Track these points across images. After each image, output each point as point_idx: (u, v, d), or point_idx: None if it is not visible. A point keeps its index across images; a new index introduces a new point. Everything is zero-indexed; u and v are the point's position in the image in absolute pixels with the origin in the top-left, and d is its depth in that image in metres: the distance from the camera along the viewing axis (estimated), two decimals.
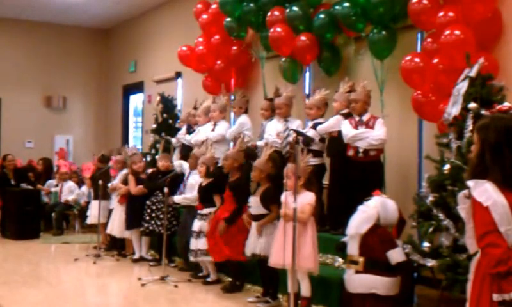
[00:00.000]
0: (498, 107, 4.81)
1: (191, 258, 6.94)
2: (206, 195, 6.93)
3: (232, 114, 9.16)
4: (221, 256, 6.47)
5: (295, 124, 6.99)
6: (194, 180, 7.41)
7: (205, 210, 6.87)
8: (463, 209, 3.04)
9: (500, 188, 2.84)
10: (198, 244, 6.79)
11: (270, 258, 5.50)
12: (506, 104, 4.79)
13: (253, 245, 5.92)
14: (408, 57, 6.16)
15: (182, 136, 8.98)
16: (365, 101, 6.30)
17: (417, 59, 6.12)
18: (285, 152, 6.75)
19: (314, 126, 6.67)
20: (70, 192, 11.17)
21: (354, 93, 6.37)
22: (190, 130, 8.88)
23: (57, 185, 11.48)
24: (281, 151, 6.87)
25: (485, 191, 2.83)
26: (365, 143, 6.10)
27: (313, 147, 6.60)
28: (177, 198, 7.56)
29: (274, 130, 7.13)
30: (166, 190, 7.14)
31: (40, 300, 6.21)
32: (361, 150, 6.12)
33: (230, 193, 6.54)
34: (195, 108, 9.04)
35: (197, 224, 6.89)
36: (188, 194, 7.46)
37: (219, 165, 7.13)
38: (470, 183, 2.90)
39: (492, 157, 2.91)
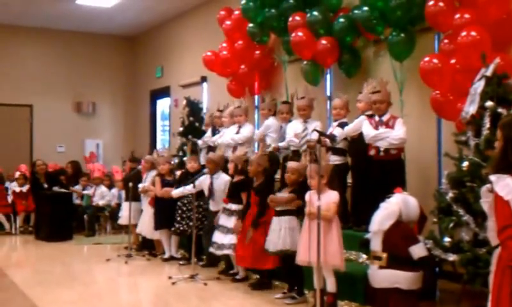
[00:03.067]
0: None
1: (212, 250, 7.10)
2: (234, 191, 7.08)
3: (256, 117, 9.34)
4: (246, 264, 6.72)
5: (314, 125, 7.12)
6: (219, 186, 7.53)
7: (232, 206, 7.02)
8: (485, 203, 3.12)
9: None
10: (224, 238, 6.95)
11: (297, 255, 5.63)
12: None
13: (275, 241, 6.05)
14: (427, 58, 6.26)
15: (208, 138, 9.18)
16: (388, 102, 6.44)
17: (435, 60, 6.22)
18: (302, 151, 6.90)
19: (341, 126, 6.83)
20: (101, 197, 11.42)
21: (378, 94, 6.43)
22: (215, 132, 9.06)
23: (84, 189, 11.77)
24: (299, 150, 7.08)
25: (506, 186, 2.90)
26: (385, 143, 6.22)
27: (338, 145, 6.76)
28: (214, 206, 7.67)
29: (293, 130, 7.32)
30: (194, 191, 7.34)
31: (74, 299, 6.34)
32: (382, 149, 6.24)
33: (255, 198, 6.68)
34: (219, 110, 9.21)
35: (224, 220, 7.05)
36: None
37: None
38: (493, 177, 2.97)
39: None
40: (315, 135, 5.94)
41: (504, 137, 3.06)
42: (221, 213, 7.21)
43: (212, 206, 7.61)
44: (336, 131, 6.77)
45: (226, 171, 7.67)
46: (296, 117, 7.65)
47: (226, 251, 7.00)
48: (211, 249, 7.16)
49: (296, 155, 7.12)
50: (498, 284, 2.98)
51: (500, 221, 2.91)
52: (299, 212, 5.99)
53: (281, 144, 7.53)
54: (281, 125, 7.79)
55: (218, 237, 7.05)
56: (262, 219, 6.50)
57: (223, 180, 7.56)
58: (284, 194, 6.17)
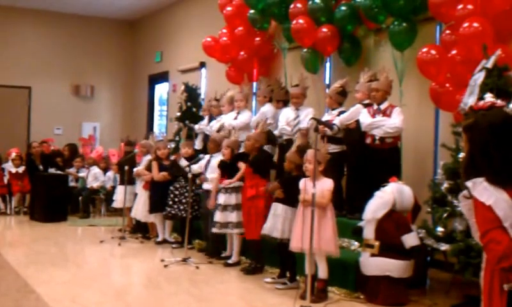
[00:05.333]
0: (480, 104, 4.83)
1: (214, 230, 7.07)
2: (228, 170, 7.06)
3: (254, 103, 9.33)
4: (253, 235, 6.58)
5: (306, 112, 7.18)
6: (216, 162, 7.57)
7: (228, 182, 6.96)
8: (464, 206, 3.00)
9: (494, 186, 2.79)
10: (226, 217, 6.93)
11: (291, 242, 5.61)
12: (488, 99, 4.83)
13: (272, 226, 6.03)
14: (425, 49, 6.24)
15: (204, 126, 9.16)
16: (386, 91, 6.41)
17: (433, 51, 6.21)
18: (295, 139, 6.89)
19: (339, 114, 6.81)
20: (95, 179, 11.39)
21: (375, 82, 6.47)
22: (212, 120, 9.04)
23: (77, 171, 11.75)
24: (292, 138, 7.07)
25: (485, 190, 2.79)
26: (381, 131, 6.23)
27: (337, 134, 6.74)
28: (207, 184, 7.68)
29: (285, 118, 7.33)
30: (189, 176, 7.32)
31: (67, 279, 6.33)
32: (377, 138, 6.25)
33: (249, 169, 6.66)
34: (216, 99, 9.19)
35: (222, 198, 7.02)
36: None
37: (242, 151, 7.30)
38: (469, 183, 2.85)
39: (481, 157, 2.86)
40: (312, 123, 5.93)
41: (468, 141, 2.94)
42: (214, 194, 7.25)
43: (206, 185, 7.65)
44: (337, 120, 6.75)
45: None
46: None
47: (229, 230, 6.98)
48: (214, 230, 7.10)
49: (290, 143, 7.09)
50: (488, 285, 2.92)
51: (481, 226, 2.81)
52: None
53: (275, 132, 7.55)
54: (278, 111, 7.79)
55: (220, 216, 7.00)
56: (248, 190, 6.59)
57: (219, 158, 7.57)
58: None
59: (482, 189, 2.80)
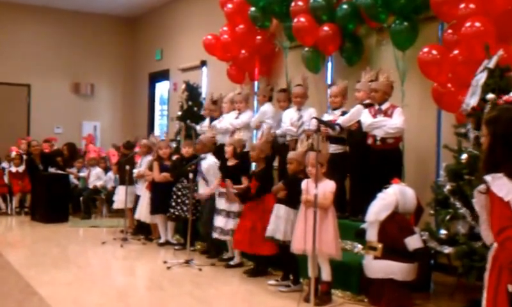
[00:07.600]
0: (505, 97, 4.83)
1: (215, 235, 7.06)
2: (231, 175, 7.01)
3: (256, 103, 9.29)
4: (243, 248, 6.69)
5: (308, 112, 7.15)
6: (207, 164, 7.60)
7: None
8: (477, 202, 2.99)
9: None
10: (227, 223, 6.92)
11: (292, 244, 5.59)
12: None
13: (275, 228, 5.99)
14: (426, 49, 6.21)
15: (205, 127, 9.13)
16: (385, 91, 6.35)
17: (434, 51, 6.18)
18: (300, 140, 6.86)
19: (343, 114, 6.78)
20: (97, 178, 11.35)
21: (375, 83, 6.42)
22: (212, 121, 9.02)
23: (79, 171, 11.73)
24: (297, 139, 7.00)
25: (504, 185, 2.78)
26: (381, 131, 6.18)
27: (340, 134, 6.70)
28: (205, 195, 7.66)
29: (288, 119, 7.30)
30: (191, 176, 7.30)
31: (69, 281, 6.34)
32: (378, 138, 6.21)
33: (256, 183, 6.61)
34: (214, 102, 9.13)
35: (223, 203, 6.99)
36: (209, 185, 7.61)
37: (245, 150, 7.29)
38: (488, 178, 2.83)
39: (503, 150, 2.85)
40: (314, 123, 5.88)
41: (490, 134, 2.93)
42: (217, 196, 7.21)
43: (201, 188, 7.68)
44: (340, 120, 6.71)
45: (217, 155, 7.72)
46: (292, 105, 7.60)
47: (229, 237, 6.95)
48: (214, 235, 7.09)
49: (295, 144, 7.05)
50: (494, 284, 2.90)
51: (498, 222, 2.79)
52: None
53: (278, 132, 7.50)
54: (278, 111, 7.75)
55: (221, 221, 6.99)
56: (255, 202, 6.54)
57: (209, 161, 7.62)
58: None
59: (501, 184, 2.78)
